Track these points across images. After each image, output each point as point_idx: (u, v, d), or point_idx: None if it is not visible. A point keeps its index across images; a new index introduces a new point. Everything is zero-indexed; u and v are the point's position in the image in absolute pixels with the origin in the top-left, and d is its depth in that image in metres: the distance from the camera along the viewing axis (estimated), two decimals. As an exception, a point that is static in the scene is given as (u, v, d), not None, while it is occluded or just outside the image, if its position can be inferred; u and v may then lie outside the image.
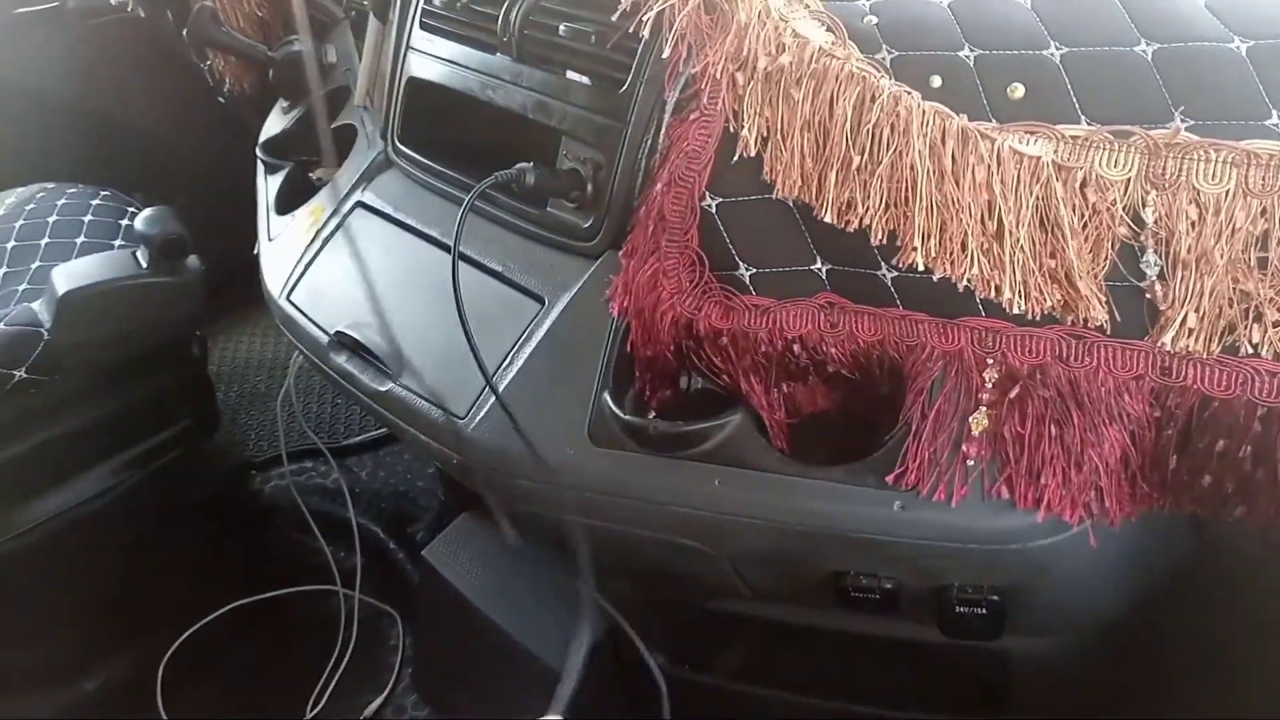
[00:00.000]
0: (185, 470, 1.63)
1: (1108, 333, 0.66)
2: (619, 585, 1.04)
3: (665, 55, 0.77)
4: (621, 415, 0.77)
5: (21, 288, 1.42)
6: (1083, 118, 0.65)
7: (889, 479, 0.69)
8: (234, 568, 1.66)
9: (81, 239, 1.51)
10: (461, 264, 0.92)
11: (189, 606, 1.57)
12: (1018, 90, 0.67)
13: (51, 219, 1.56)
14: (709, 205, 0.75)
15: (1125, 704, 0.99)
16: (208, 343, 1.70)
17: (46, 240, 1.51)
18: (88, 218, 1.56)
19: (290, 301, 1.02)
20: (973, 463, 0.68)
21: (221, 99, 1.84)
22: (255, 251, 1.19)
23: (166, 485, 1.58)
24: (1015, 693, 0.94)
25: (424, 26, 1.00)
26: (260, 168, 1.27)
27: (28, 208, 1.59)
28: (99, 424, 1.45)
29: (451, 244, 0.93)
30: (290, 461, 1.84)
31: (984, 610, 0.75)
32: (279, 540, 1.72)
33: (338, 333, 0.94)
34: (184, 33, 1.50)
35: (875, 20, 0.73)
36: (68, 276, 1.27)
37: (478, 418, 0.82)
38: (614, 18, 0.80)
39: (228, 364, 2.21)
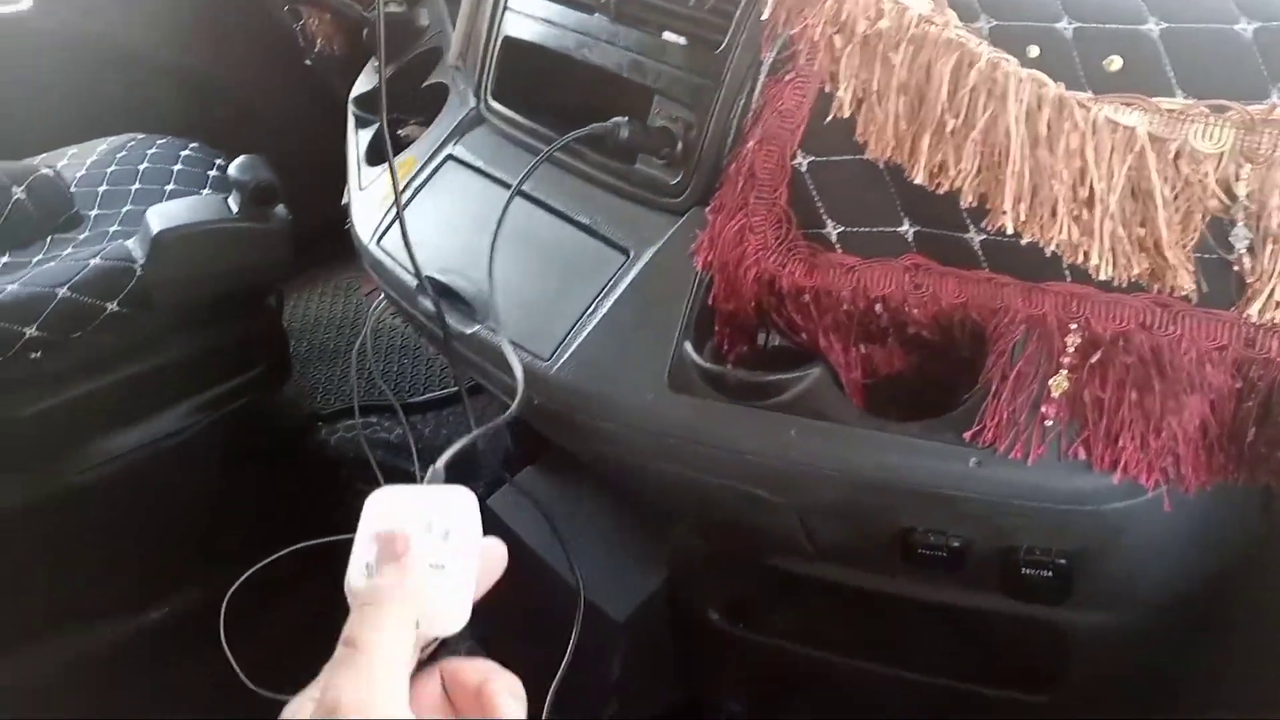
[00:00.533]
0: (256, 416, 1.68)
1: (1193, 302, 0.67)
2: (683, 536, 1.06)
3: (764, 17, 0.79)
4: (701, 363, 0.79)
5: (112, 229, 1.47)
6: (1179, 92, 0.66)
7: (967, 436, 0.71)
8: (299, 513, 1.70)
9: (171, 186, 1.56)
10: (550, 217, 0.95)
11: (254, 546, 1.62)
12: (1115, 63, 0.68)
13: (142, 166, 1.61)
14: (800, 164, 0.77)
15: (1180, 694, 0.99)
16: (283, 296, 1.75)
17: (137, 186, 1.56)
18: (177, 167, 1.61)
19: (380, 247, 1.05)
20: (1051, 424, 0.69)
21: (308, 61, 1.89)
22: (344, 201, 1.23)
23: (238, 429, 1.63)
24: (1071, 670, 0.95)
25: (523, -15, 1.03)
26: (351, 121, 1.30)
27: (119, 155, 1.64)
28: (179, 364, 1.50)
29: (540, 197, 0.96)
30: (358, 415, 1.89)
31: (1050, 573, 0.76)
32: (344, 489, 1.77)
33: (426, 277, 0.97)
34: (279, -10, 1.54)
35: (974, -11, 0.74)
36: (162, 216, 1.31)
37: (561, 361, 0.85)
38: (716, -20, 0.82)
39: (298, 320, 2.26)
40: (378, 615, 0.44)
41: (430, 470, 0.53)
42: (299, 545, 1.61)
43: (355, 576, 0.47)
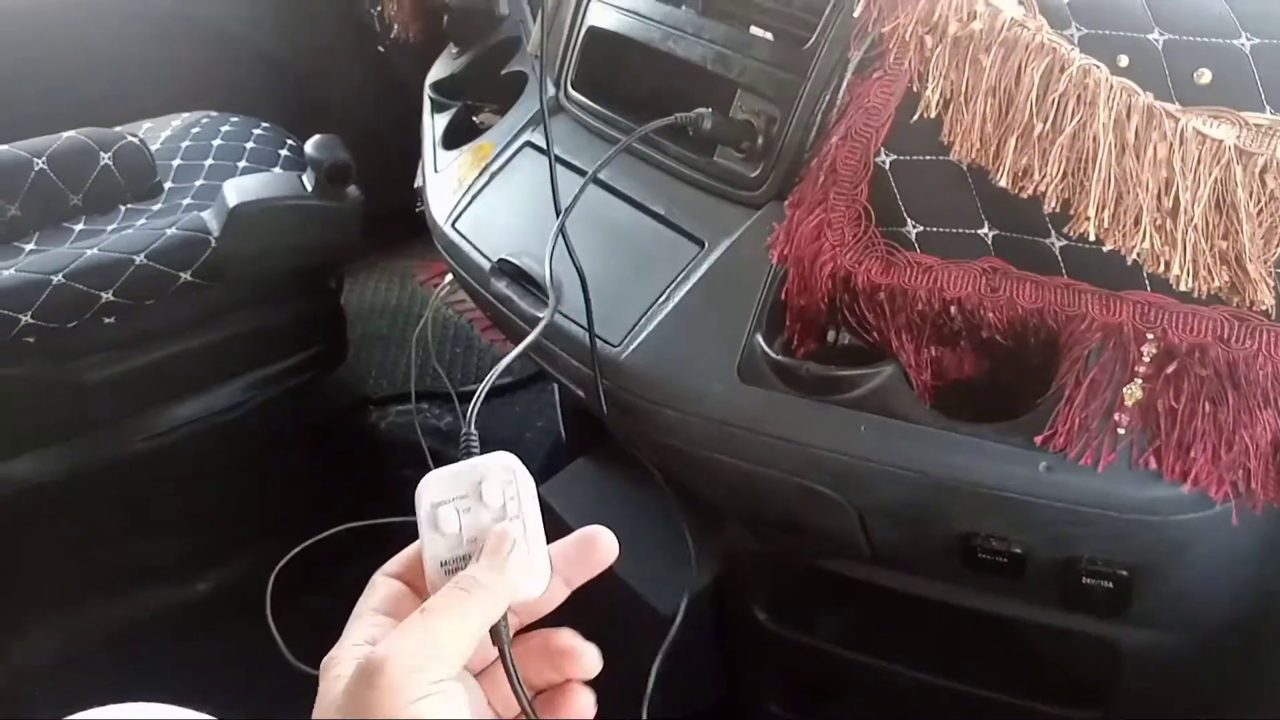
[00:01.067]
0: (311, 396, 1.71)
1: (1272, 317, 0.67)
2: (735, 533, 1.07)
3: (855, 14, 0.80)
4: (773, 355, 0.80)
5: (185, 202, 1.50)
6: (1267, 107, 0.66)
7: (1037, 440, 0.71)
8: (349, 493, 1.73)
9: (243, 163, 1.60)
10: (625, 205, 0.96)
11: (303, 524, 1.64)
12: (1204, 76, 0.68)
13: (216, 142, 1.64)
14: (883, 161, 0.78)
15: (1224, 716, 0.98)
16: (343, 278, 1.78)
17: (210, 161, 1.60)
18: (249, 144, 1.65)
19: (455, 229, 1.07)
20: (1123, 432, 0.70)
21: (381, 48, 1.92)
22: (417, 184, 1.25)
23: (293, 408, 1.66)
24: (1122, 688, 0.95)
25: (612, -26, 1.05)
26: (427, 105, 1.33)
27: (193, 131, 1.68)
28: (241, 338, 1.53)
29: (617, 186, 0.98)
30: (407, 401, 1.92)
31: (1111, 584, 0.76)
32: (392, 473, 1.79)
33: (500, 260, 0.98)
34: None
35: (1066, -3, 0.75)
36: (239, 190, 1.34)
37: (631, 347, 0.86)
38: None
39: (353, 305, 2.29)
40: (469, 603, 0.44)
41: (463, 438, 0.52)
42: (347, 525, 1.64)
43: (433, 573, 0.47)
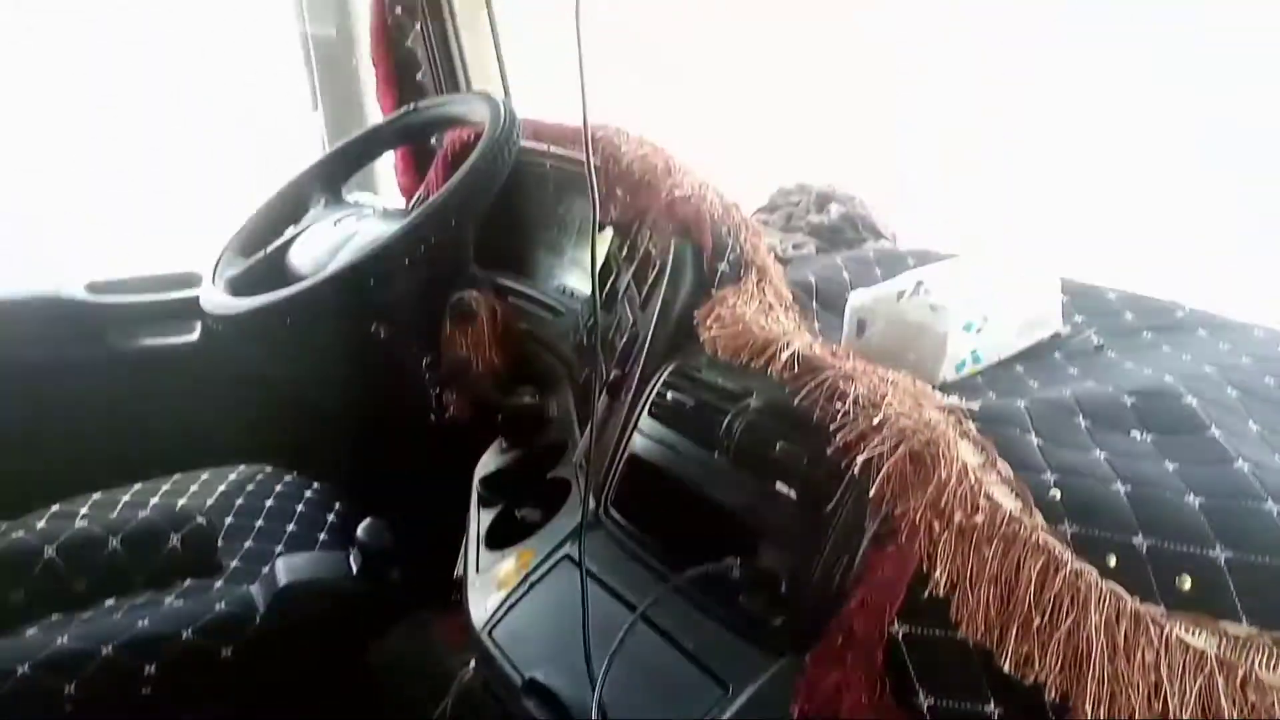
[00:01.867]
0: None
1: (1268, 827, 0.70)
2: None
3: (870, 494, 0.89)
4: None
5: (233, 564, 1.58)
6: (1245, 618, 0.73)
7: None
8: None
9: (291, 527, 1.69)
10: (656, 636, 1.02)
11: None
12: (1185, 582, 0.76)
13: (268, 503, 1.74)
14: (896, 631, 0.84)
15: None
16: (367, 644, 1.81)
17: (261, 523, 1.69)
18: (300, 507, 1.74)
19: (491, 638, 1.12)
20: None
21: (432, 415, 2.05)
22: (456, 574, 1.32)
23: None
24: None
25: (652, 414, 1.16)
26: (475, 499, 1.42)
27: (247, 488, 1.78)
28: (263, 708, 1.54)
29: (648, 614, 1.04)
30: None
31: None
32: None
33: (531, 679, 1.03)
34: (425, 363, 1.72)
35: (1058, 495, 0.84)
36: (289, 570, 1.42)
37: (652, 792, 0.89)
38: (827, 450, 0.93)
39: (372, 661, 2.30)
40: None
41: None
42: None
43: None
